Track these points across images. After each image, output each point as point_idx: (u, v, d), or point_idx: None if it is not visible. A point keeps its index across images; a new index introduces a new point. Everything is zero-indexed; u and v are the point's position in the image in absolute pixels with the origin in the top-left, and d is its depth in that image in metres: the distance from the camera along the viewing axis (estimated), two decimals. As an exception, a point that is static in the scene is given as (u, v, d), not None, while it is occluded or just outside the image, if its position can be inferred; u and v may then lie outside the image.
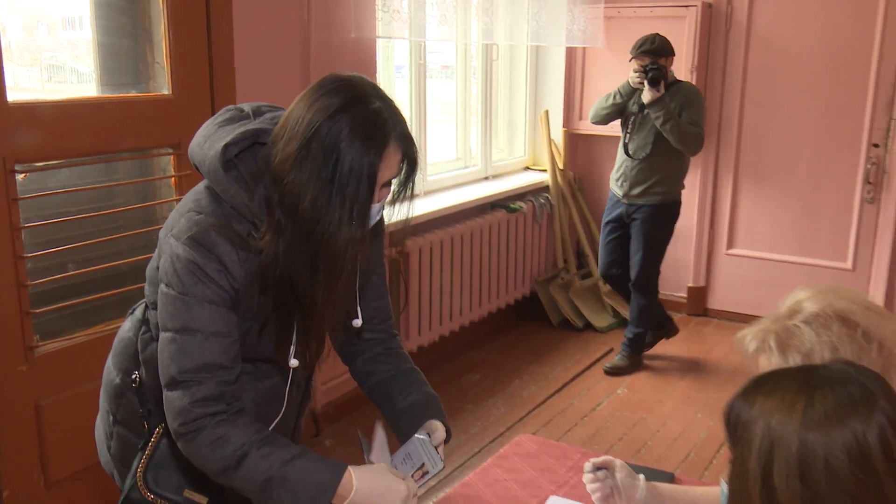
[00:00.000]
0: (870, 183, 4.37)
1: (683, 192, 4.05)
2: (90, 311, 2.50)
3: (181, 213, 1.35)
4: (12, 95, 2.23)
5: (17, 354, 2.28)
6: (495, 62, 4.57)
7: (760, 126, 4.61)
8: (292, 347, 1.40)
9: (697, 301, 4.93)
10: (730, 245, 4.84)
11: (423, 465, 1.45)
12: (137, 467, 1.43)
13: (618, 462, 1.58)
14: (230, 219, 1.31)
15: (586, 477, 1.60)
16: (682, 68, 4.41)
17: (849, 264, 4.52)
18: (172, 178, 2.66)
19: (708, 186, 4.79)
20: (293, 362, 1.42)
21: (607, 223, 4.14)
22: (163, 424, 1.45)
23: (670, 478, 1.79)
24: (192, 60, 2.66)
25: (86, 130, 2.40)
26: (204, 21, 2.67)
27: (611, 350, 4.38)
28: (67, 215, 2.42)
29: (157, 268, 1.38)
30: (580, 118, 4.90)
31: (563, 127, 4.87)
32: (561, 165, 4.83)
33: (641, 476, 1.59)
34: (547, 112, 4.82)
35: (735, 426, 0.99)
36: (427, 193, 4.10)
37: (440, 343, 4.12)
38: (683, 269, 4.87)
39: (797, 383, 0.97)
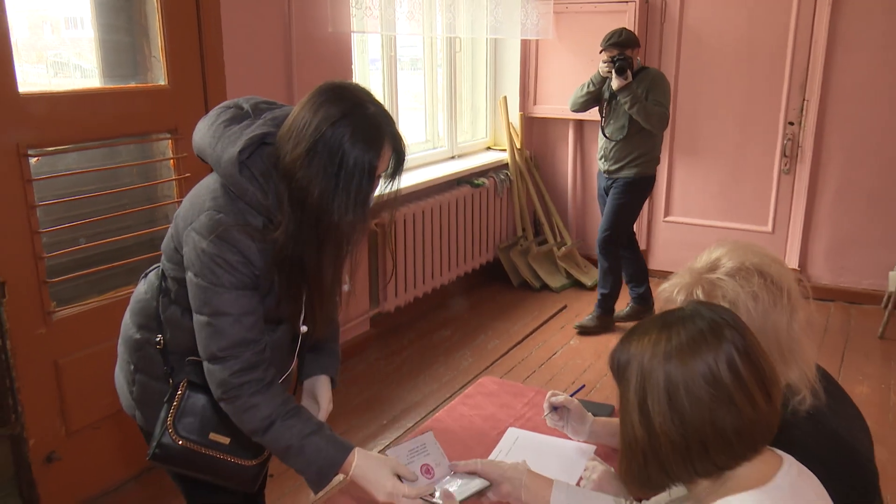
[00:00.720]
0: (786, 156, 4.48)
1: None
2: (101, 280, 2.51)
3: (200, 210, 1.36)
4: (22, 89, 2.21)
5: (37, 319, 2.30)
6: (458, 54, 4.57)
7: (692, 108, 4.68)
8: (302, 316, 1.47)
9: (639, 263, 5.00)
10: (667, 213, 4.92)
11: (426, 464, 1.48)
12: (167, 418, 1.47)
13: (574, 403, 1.66)
14: (245, 214, 1.34)
15: (546, 413, 1.68)
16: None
17: (769, 228, 4.63)
18: (172, 160, 2.65)
19: (647, 162, 4.84)
20: (303, 328, 1.49)
21: (599, 196, 4.17)
22: (187, 379, 1.49)
23: (610, 410, 1.86)
24: (186, 54, 2.65)
25: (91, 118, 2.40)
26: (195, 17, 2.66)
27: (564, 307, 4.46)
28: (77, 195, 2.42)
29: (175, 248, 1.41)
30: (535, 103, 4.93)
31: (520, 111, 4.90)
32: (518, 145, 4.86)
33: (590, 415, 1.67)
34: (505, 98, 4.84)
35: (618, 368, 1.06)
36: (400, 172, 4.10)
37: (415, 303, 4.17)
38: (627, 234, 4.93)
39: (658, 325, 1.03)
